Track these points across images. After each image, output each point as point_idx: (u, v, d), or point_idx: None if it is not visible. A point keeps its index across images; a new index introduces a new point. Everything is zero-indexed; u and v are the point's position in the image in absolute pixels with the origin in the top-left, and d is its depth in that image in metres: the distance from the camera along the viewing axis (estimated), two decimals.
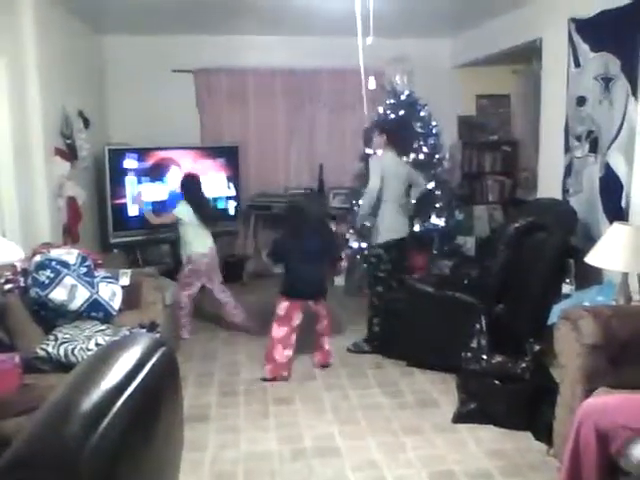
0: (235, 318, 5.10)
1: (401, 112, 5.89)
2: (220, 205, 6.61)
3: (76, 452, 0.94)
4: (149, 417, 1.22)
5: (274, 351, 4.17)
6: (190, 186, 5.08)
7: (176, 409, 1.46)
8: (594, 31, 4.18)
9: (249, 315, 5.13)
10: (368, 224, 5.05)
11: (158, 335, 3.56)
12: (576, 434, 2.32)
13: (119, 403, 1.08)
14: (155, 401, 1.27)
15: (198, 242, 4.98)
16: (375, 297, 4.72)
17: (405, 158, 4.99)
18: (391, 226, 4.70)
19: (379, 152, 4.87)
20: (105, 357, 1.28)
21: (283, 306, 4.21)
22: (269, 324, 4.29)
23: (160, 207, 6.22)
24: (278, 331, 4.21)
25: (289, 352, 4.20)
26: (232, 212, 6.64)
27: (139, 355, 1.28)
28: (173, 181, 6.23)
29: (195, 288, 5.04)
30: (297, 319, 4.22)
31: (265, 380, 4.14)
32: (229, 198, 6.66)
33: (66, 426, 0.97)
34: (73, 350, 3.14)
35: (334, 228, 5.14)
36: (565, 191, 4.65)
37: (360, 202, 4.98)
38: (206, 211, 5.10)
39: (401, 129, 5.26)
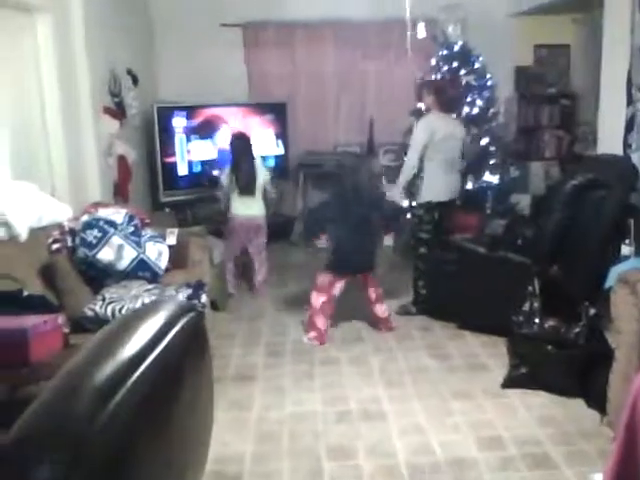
0: (258, 277, 5.09)
1: (454, 64, 5.66)
2: (269, 163, 6.55)
3: (85, 428, 0.89)
4: (170, 388, 1.17)
5: (316, 319, 4.11)
6: (236, 147, 4.99)
7: (204, 378, 1.41)
8: None
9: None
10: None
11: (205, 295, 3.56)
12: (632, 407, 2.20)
13: (135, 375, 1.03)
14: (178, 371, 1.22)
15: (238, 205, 4.92)
16: (419, 259, 4.62)
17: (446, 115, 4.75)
18: (434, 187, 4.54)
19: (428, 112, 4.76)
20: (126, 325, 1.23)
21: (327, 279, 4.11)
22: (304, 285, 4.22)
23: (209, 165, 6.22)
24: (317, 299, 4.11)
25: (327, 321, 4.15)
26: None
27: (162, 323, 1.23)
28: (221, 139, 6.19)
29: (234, 248, 5.03)
30: (338, 290, 4.13)
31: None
32: (277, 156, 6.59)
33: (76, 400, 0.93)
34: (120, 310, 3.17)
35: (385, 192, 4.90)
36: (627, 146, 4.41)
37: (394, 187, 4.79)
38: (243, 177, 4.90)
39: (450, 88, 5.06)
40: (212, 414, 1.55)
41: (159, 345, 1.16)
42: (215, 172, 5.10)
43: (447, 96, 4.78)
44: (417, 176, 4.60)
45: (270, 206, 5.19)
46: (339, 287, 4.13)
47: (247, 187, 4.89)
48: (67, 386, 0.99)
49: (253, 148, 5.04)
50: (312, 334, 4.11)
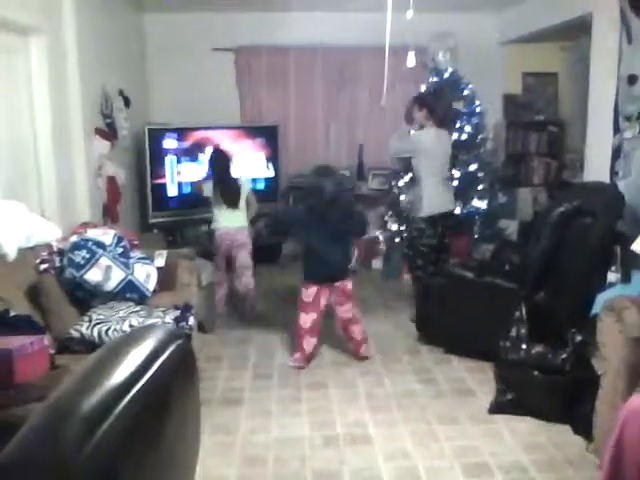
0: (248, 302, 5.07)
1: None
2: (259, 185, 6.59)
3: (72, 457, 0.90)
4: (157, 418, 1.17)
5: (303, 340, 4.07)
6: (216, 162, 5.03)
7: (191, 404, 1.41)
8: None
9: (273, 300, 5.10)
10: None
11: (192, 317, 3.55)
12: (619, 434, 2.20)
13: (123, 404, 1.03)
14: (165, 399, 1.22)
15: (221, 219, 4.93)
16: (418, 270, 4.73)
17: (442, 130, 4.86)
18: (434, 199, 4.68)
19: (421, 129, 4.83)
20: (113, 352, 1.23)
21: (310, 292, 4.07)
22: (294, 308, 4.19)
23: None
24: (306, 319, 4.08)
25: (316, 340, 4.12)
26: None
27: (150, 350, 1.23)
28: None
29: (220, 263, 5.04)
30: (324, 303, 4.10)
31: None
32: (268, 179, 6.62)
33: (63, 428, 0.93)
34: (107, 331, 3.16)
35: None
36: (614, 174, 4.47)
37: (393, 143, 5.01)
38: (226, 191, 4.93)
39: (440, 101, 5.12)
40: (199, 439, 1.54)
41: (147, 372, 1.16)
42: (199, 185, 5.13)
43: (439, 109, 4.87)
44: (414, 190, 4.79)
45: (254, 218, 5.21)
46: (324, 301, 4.09)
47: (231, 199, 4.92)
48: (55, 413, 0.99)
49: (232, 163, 5.09)
50: (297, 355, 4.08)
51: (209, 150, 5.87)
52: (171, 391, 1.28)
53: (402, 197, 5.70)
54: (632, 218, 4.06)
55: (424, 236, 4.66)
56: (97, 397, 1.03)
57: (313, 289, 4.06)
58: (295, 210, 4.31)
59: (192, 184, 5.62)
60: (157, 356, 1.24)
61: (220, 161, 5.02)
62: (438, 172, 4.73)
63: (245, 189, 5.03)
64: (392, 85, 6.49)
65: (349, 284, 4.15)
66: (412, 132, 4.89)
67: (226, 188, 4.93)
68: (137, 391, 1.09)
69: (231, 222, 4.93)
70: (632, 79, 4.20)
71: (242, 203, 4.99)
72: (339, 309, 4.16)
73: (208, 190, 4.93)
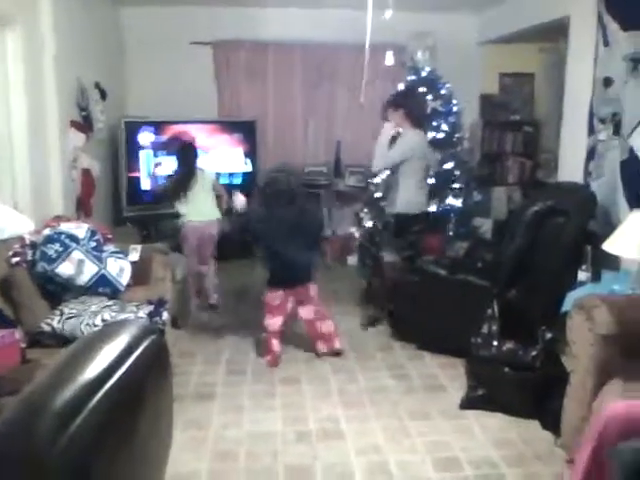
0: (209, 299, 5.11)
1: (422, 89, 5.76)
2: (236, 180, 6.57)
3: (46, 451, 0.90)
4: (130, 413, 1.18)
5: (271, 343, 4.06)
6: (184, 155, 5.01)
7: (164, 399, 1.42)
8: (624, 9, 4.02)
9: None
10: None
11: (166, 312, 3.54)
12: (599, 441, 2.21)
13: (96, 398, 1.04)
14: (138, 394, 1.23)
15: (191, 211, 4.90)
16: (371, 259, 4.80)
17: (420, 131, 4.87)
18: (408, 200, 4.71)
19: (399, 129, 4.80)
20: (87, 347, 1.23)
21: (274, 296, 4.04)
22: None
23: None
24: (274, 322, 4.07)
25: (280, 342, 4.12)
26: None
27: (124, 345, 1.24)
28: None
29: (191, 258, 5.03)
30: (290, 306, 4.09)
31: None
32: (245, 174, 6.61)
33: (37, 423, 0.94)
34: (79, 325, 3.13)
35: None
36: (587, 175, 4.53)
37: (375, 162, 4.90)
38: (186, 179, 4.89)
39: (415, 102, 5.09)
40: (171, 434, 1.55)
41: (121, 367, 1.17)
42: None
43: (415, 110, 4.86)
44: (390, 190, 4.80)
45: (227, 209, 5.15)
46: (290, 303, 4.08)
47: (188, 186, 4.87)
48: (29, 408, 1.00)
49: (197, 156, 5.06)
50: (267, 358, 4.06)
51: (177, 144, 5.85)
52: (145, 386, 1.28)
53: (377, 194, 5.69)
54: (604, 218, 4.12)
55: (390, 230, 4.70)
56: (70, 392, 1.03)
57: (279, 293, 4.04)
58: (252, 211, 4.26)
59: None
60: (131, 351, 1.25)
61: (187, 154, 4.99)
62: (418, 174, 4.75)
63: (209, 179, 5.00)
64: (371, 83, 6.51)
65: (313, 288, 4.13)
66: (400, 140, 4.77)
67: (186, 177, 4.89)
68: (111, 386, 1.10)
69: (202, 216, 4.91)
70: (607, 81, 4.25)
71: (210, 195, 4.97)
72: (300, 310, 4.15)
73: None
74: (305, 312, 4.15)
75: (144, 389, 1.28)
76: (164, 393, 1.43)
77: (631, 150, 3.94)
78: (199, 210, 4.90)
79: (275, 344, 4.07)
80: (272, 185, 4.01)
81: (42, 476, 0.91)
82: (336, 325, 4.26)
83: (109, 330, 1.47)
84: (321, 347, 4.18)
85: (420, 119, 4.90)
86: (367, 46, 4.01)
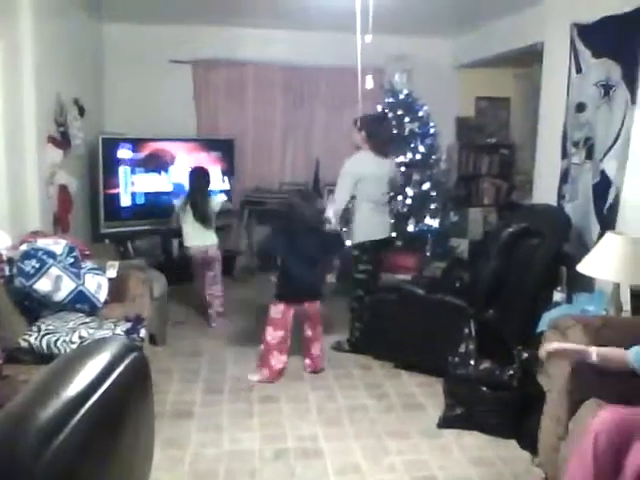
0: (216, 309, 5.19)
1: (399, 111, 5.85)
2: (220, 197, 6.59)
3: (29, 467, 0.90)
4: (113, 427, 1.18)
5: (270, 356, 4.05)
6: (194, 179, 5.15)
7: (146, 416, 1.42)
8: (596, 37, 4.14)
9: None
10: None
11: (143, 329, 3.52)
12: (594, 447, 2.24)
13: (79, 415, 1.04)
14: (120, 411, 1.23)
15: (192, 237, 5.04)
16: (354, 300, 4.65)
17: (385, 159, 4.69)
18: (366, 227, 4.56)
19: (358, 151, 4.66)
20: (70, 364, 1.23)
21: (280, 309, 4.06)
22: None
23: (154, 198, 6.20)
24: (274, 335, 4.06)
25: (285, 357, 4.10)
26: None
27: (106, 362, 1.24)
28: (177, 173, 6.26)
29: (198, 277, 5.24)
30: (291, 321, 4.11)
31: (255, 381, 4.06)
32: (224, 192, 6.61)
33: (20, 440, 0.94)
34: (56, 342, 3.10)
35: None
36: (561, 197, 4.61)
37: (327, 211, 4.61)
38: (199, 208, 5.04)
39: (381, 127, 4.87)
40: (152, 451, 1.55)
41: (103, 384, 1.17)
42: (175, 201, 5.27)
43: (379, 135, 4.63)
44: (349, 217, 4.73)
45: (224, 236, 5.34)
46: (292, 319, 4.10)
47: (203, 218, 5.03)
48: (13, 423, 1.00)
49: (209, 184, 5.22)
50: (263, 370, 4.05)
51: (176, 164, 5.95)
52: (126, 403, 1.28)
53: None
54: (578, 240, 4.20)
55: (359, 262, 4.56)
56: (54, 407, 1.04)
57: (281, 306, 4.06)
58: (276, 240, 4.28)
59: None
60: (113, 368, 1.25)
61: (197, 179, 5.14)
62: (372, 198, 4.53)
63: (216, 208, 5.15)
64: (350, 104, 6.59)
65: (317, 305, 4.19)
66: (345, 163, 4.60)
67: (200, 207, 5.04)
68: (94, 402, 1.10)
69: (202, 241, 5.05)
70: (580, 107, 4.35)
71: (211, 222, 5.10)
72: (306, 327, 4.21)
73: (178, 204, 5.06)
74: (309, 330, 4.21)
75: (126, 405, 1.28)
76: (144, 412, 1.43)
77: (602, 173, 4.03)
78: (200, 236, 5.06)
79: (274, 358, 4.05)
80: (296, 214, 4.09)
81: None
82: (323, 346, 4.31)
83: (91, 347, 1.47)
84: (308, 366, 4.24)
85: (382, 146, 4.64)
86: (359, 68, 4.08)
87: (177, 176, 6.22)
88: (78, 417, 1.04)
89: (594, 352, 2.55)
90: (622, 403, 2.42)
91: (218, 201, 5.25)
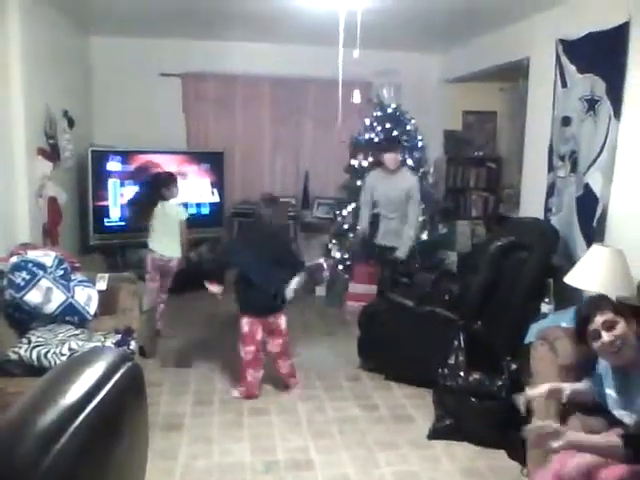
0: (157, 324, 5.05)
1: (388, 125, 5.90)
2: (204, 211, 6.60)
3: (28, 474, 0.91)
4: (110, 435, 1.19)
5: (246, 373, 4.00)
6: (151, 179, 5.11)
7: (140, 425, 1.43)
8: (581, 52, 4.21)
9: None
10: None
11: (133, 341, 3.52)
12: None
13: (77, 422, 1.05)
14: (117, 419, 1.24)
15: (157, 243, 4.88)
16: None
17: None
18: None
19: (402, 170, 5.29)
20: (66, 373, 1.25)
21: (245, 323, 3.98)
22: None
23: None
24: (246, 351, 3.99)
25: (259, 372, 4.04)
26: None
27: (102, 371, 1.25)
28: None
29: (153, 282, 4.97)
30: (259, 334, 4.03)
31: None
32: (213, 204, 6.64)
33: (18, 447, 0.95)
34: (46, 354, 3.10)
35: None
36: (547, 210, 4.67)
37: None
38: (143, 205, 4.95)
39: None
40: (146, 459, 1.56)
41: (100, 393, 1.18)
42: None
43: None
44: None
45: (186, 249, 5.14)
46: (259, 333, 4.01)
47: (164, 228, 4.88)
48: (12, 430, 1.00)
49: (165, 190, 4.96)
50: (241, 388, 4.01)
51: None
52: (122, 412, 1.30)
53: (345, 226, 5.81)
54: (564, 252, 4.25)
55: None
56: (52, 416, 1.05)
57: (247, 320, 3.99)
58: (231, 245, 4.22)
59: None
60: (109, 377, 1.26)
61: (155, 181, 5.02)
62: (385, 207, 5.28)
63: (174, 216, 4.92)
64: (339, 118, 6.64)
65: (282, 319, 4.08)
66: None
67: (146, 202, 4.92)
68: (90, 411, 1.12)
69: (166, 251, 4.89)
70: (565, 121, 4.42)
71: (175, 232, 4.90)
72: (270, 342, 4.12)
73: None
74: (273, 345, 4.11)
75: (121, 415, 1.29)
76: (139, 421, 1.45)
77: (586, 186, 4.08)
78: (165, 246, 4.89)
79: (250, 373, 4.00)
80: (256, 220, 4.07)
81: None
82: (292, 364, 4.21)
83: (87, 356, 1.49)
84: (285, 381, 4.19)
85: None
86: (340, 85, 4.12)
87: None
88: (76, 424, 1.06)
89: (567, 389, 2.59)
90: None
91: (181, 213, 4.99)
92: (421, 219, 5.86)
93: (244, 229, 4.13)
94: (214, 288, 3.97)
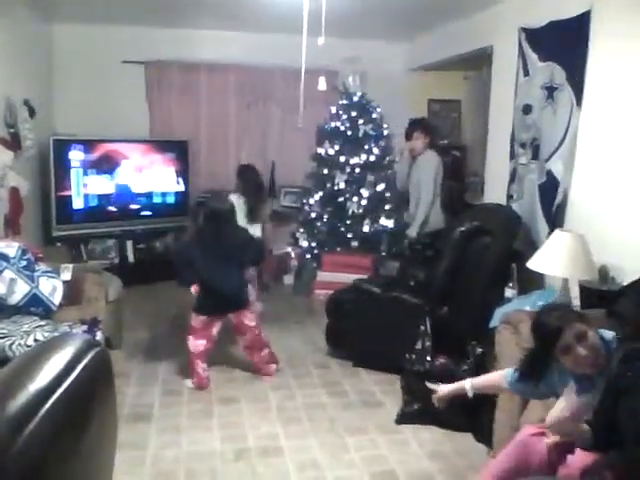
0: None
1: (353, 113, 5.92)
2: (169, 200, 6.55)
3: (1, 456, 0.91)
4: (79, 419, 1.19)
5: (195, 365, 3.95)
6: (246, 175, 5.17)
7: (109, 411, 1.44)
8: (542, 41, 4.27)
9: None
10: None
11: (99, 332, 3.50)
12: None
13: (47, 405, 1.05)
14: (86, 403, 1.24)
15: None
16: None
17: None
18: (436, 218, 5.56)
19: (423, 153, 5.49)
20: (34, 358, 1.24)
21: (200, 319, 3.95)
22: None
23: (106, 200, 6.14)
24: (196, 344, 3.95)
25: (205, 365, 3.99)
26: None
27: (70, 356, 1.25)
28: (119, 174, 6.17)
29: None
30: (216, 330, 4.01)
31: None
32: (178, 193, 6.59)
33: None
34: (11, 346, 3.06)
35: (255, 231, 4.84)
36: (509, 197, 4.75)
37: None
38: (257, 204, 5.04)
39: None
40: (115, 449, 1.56)
41: (68, 377, 1.18)
42: None
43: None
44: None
45: None
46: (216, 328, 4.00)
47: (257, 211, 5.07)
48: None
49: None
50: (194, 380, 3.97)
51: (123, 167, 5.80)
52: (91, 397, 1.30)
53: (312, 214, 5.81)
54: (525, 238, 4.33)
55: None
56: (22, 399, 1.05)
57: (202, 317, 3.96)
58: (185, 250, 4.13)
59: None
60: (76, 363, 1.26)
61: (249, 175, 5.22)
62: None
63: None
64: (305, 105, 6.62)
65: (247, 315, 4.05)
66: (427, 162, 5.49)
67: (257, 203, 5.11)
68: (60, 394, 1.12)
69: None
70: (526, 109, 4.49)
71: None
72: (241, 337, 4.13)
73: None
74: (244, 340, 4.12)
75: (90, 399, 1.29)
76: (108, 406, 1.45)
77: (549, 173, 4.16)
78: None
79: (200, 366, 3.96)
80: (206, 214, 4.00)
81: None
82: (270, 353, 4.21)
83: (54, 342, 1.48)
84: (257, 371, 4.18)
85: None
86: (303, 72, 4.11)
87: (122, 177, 6.25)
88: (46, 407, 1.06)
89: (468, 384, 2.63)
90: None
91: None
92: (388, 207, 5.91)
93: (196, 231, 4.04)
94: (194, 290, 3.98)
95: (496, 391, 2.77)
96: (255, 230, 4.81)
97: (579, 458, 2.18)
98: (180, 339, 4.68)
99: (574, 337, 2.11)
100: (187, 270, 3.94)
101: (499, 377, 2.58)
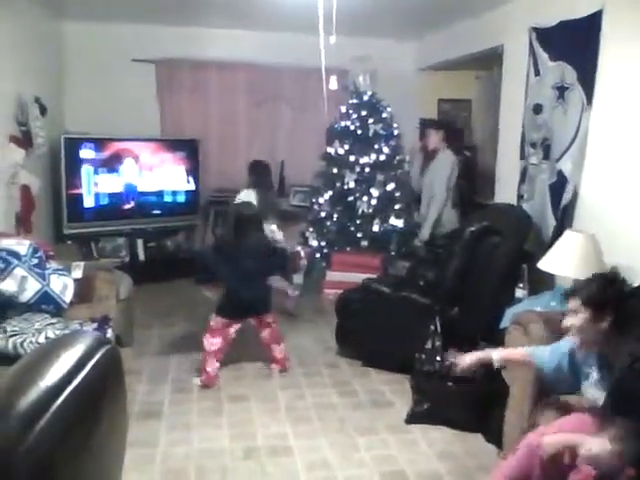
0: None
1: (363, 112, 5.91)
2: (179, 199, 6.57)
3: (11, 452, 0.92)
4: (90, 416, 1.20)
5: (206, 363, 3.98)
6: (258, 170, 5.23)
7: (119, 408, 1.45)
8: (553, 41, 4.25)
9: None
10: None
11: (110, 330, 3.51)
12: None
13: (58, 402, 1.06)
14: (97, 400, 1.25)
15: None
16: None
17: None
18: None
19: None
20: (45, 355, 1.25)
21: (219, 321, 3.99)
22: None
23: (117, 198, 6.16)
24: (211, 342, 3.98)
25: (218, 365, 4.01)
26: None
27: (81, 354, 1.26)
28: (129, 173, 6.19)
29: None
30: (234, 330, 4.03)
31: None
32: (188, 192, 6.60)
33: (3, 423, 0.95)
34: (22, 343, 3.07)
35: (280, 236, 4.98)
36: (519, 197, 4.73)
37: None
38: (270, 201, 5.08)
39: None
40: (124, 447, 1.57)
41: (79, 375, 1.19)
42: None
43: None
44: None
45: None
46: (234, 329, 4.03)
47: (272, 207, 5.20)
48: None
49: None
50: (202, 377, 3.98)
51: (131, 166, 5.82)
52: (101, 394, 1.31)
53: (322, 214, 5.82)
54: (536, 238, 4.31)
55: None
56: (33, 395, 1.06)
57: (223, 320, 3.99)
58: (212, 257, 4.15)
59: None
60: (87, 360, 1.27)
61: (261, 170, 5.38)
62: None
63: None
64: (314, 104, 6.63)
65: (268, 318, 4.14)
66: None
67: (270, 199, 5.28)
68: (71, 391, 1.13)
69: None
70: (537, 108, 4.47)
71: None
72: (261, 333, 4.18)
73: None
74: (263, 333, 4.17)
75: (101, 396, 1.30)
76: (118, 403, 1.46)
77: (559, 173, 4.14)
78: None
79: (210, 364, 3.97)
80: (236, 220, 4.01)
81: (10, 472, 0.92)
82: (285, 350, 4.28)
83: (65, 339, 1.49)
84: (274, 366, 4.23)
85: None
86: (323, 71, 4.12)
87: (130, 176, 6.27)
88: (56, 405, 1.07)
89: (495, 355, 2.69)
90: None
91: None
92: (398, 207, 5.90)
93: (222, 235, 4.07)
94: (208, 293, 3.99)
95: (520, 366, 2.80)
96: (272, 229, 4.85)
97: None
98: (192, 337, 4.73)
99: (569, 307, 2.37)
100: (222, 265, 3.96)
101: (523, 354, 2.67)
